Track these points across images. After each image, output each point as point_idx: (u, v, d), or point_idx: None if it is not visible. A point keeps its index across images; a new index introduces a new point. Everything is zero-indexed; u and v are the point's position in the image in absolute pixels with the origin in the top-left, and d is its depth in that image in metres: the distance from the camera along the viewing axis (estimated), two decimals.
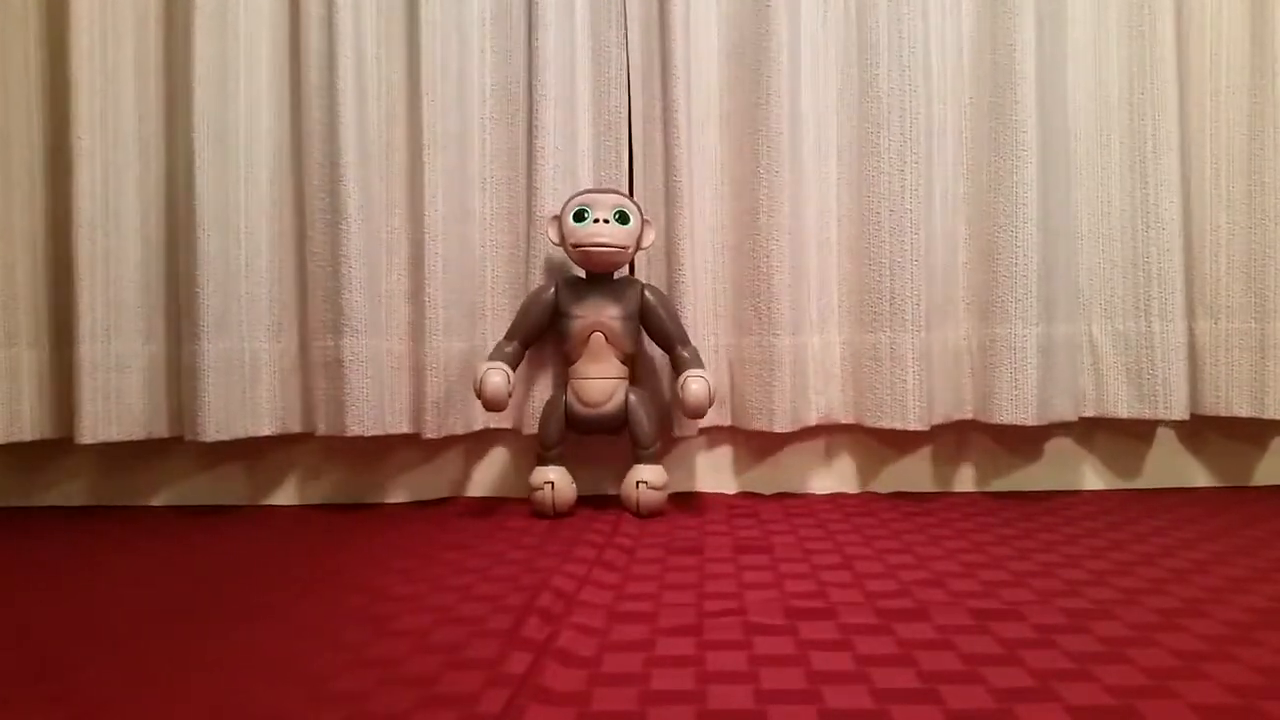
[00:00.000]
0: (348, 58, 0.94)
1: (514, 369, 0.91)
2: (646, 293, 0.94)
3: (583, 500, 0.97)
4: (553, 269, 0.98)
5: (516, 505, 0.98)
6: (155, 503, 1.05)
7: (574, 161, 1.00)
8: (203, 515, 0.99)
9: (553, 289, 0.94)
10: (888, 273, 0.95)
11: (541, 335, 0.96)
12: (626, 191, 0.98)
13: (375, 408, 0.96)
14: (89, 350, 0.93)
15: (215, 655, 0.55)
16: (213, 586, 0.70)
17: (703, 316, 0.99)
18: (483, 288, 1.01)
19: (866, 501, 0.99)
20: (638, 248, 0.93)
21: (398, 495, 1.05)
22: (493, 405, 0.89)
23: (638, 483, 0.91)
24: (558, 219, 0.93)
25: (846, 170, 1.00)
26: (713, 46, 1.00)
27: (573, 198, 0.92)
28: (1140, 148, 0.97)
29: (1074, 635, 0.55)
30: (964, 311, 1.00)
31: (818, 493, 1.04)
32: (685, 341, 0.94)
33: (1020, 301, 0.93)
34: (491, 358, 0.91)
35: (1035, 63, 0.93)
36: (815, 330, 1.00)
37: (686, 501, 0.99)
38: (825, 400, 1.00)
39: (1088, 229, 1.00)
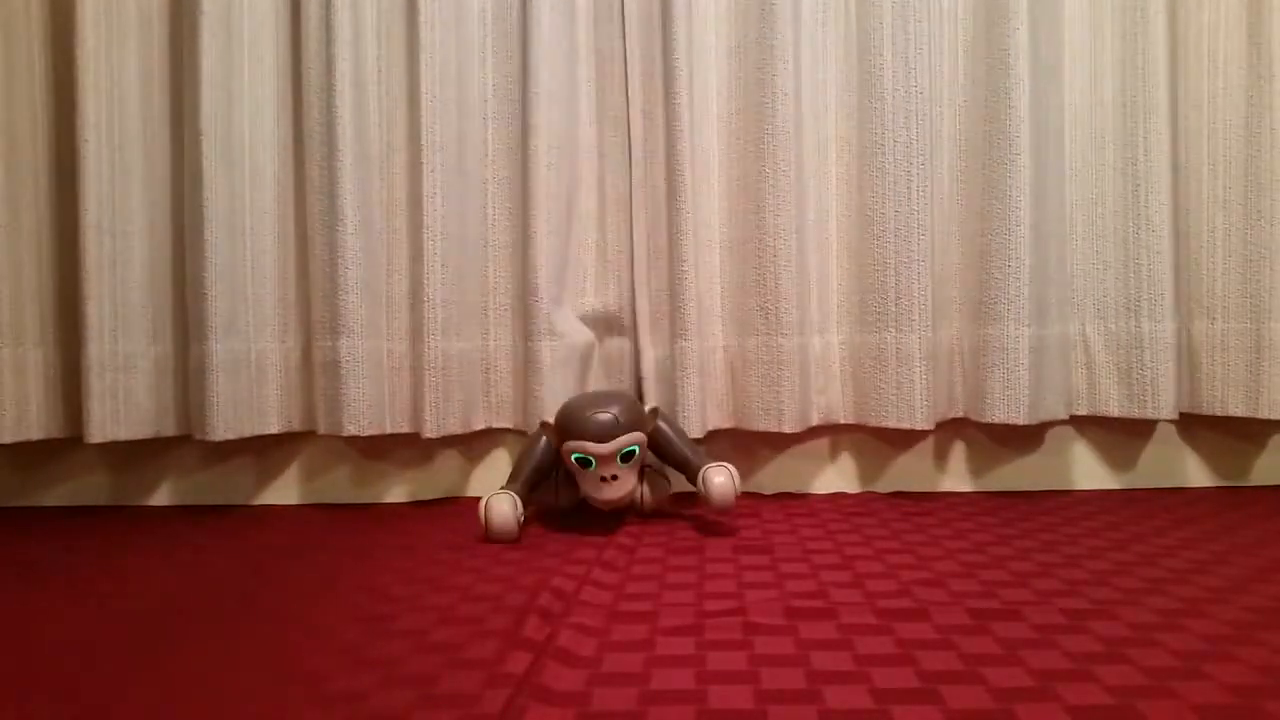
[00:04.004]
0: (345, 60, 0.94)
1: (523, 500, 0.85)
2: (655, 423, 0.87)
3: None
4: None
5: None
6: (159, 501, 1.05)
7: (574, 160, 1.00)
8: (205, 514, 0.99)
9: (553, 449, 0.87)
10: (892, 273, 0.95)
11: (545, 483, 0.90)
12: (622, 397, 0.84)
13: (372, 408, 0.96)
14: (97, 350, 0.94)
15: (215, 655, 0.55)
16: (213, 586, 0.70)
17: (705, 316, 0.99)
18: (484, 287, 1.01)
19: (866, 501, 0.99)
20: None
21: (398, 495, 1.05)
22: (500, 536, 0.82)
23: (644, 467, 0.90)
24: (551, 428, 0.84)
25: (847, 169, 1.00)
26: (711, 45, 1.00)
27: (567, 424, 0.81)
28: (1132, 149, 0.97)
29: (1074, 635, 0.55)
30: (956, 311, 1.00)
31: (818, 493, 1.04)
32: (695, 450, 0.89)
33: (1013, 302, 0.94)
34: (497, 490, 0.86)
35: (1030, 65, 0.93)
36: (817, 330, 1.00)
37: (687, 502, 0.99)
38: (826, 400, 1.00)
39: (1082, 229, 1.00)
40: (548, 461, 0.88)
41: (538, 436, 0.89)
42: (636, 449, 0.82)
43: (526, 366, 0.99)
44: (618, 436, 0.80)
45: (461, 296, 0.98)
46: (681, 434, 0.91)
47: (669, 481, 0.92)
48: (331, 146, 0.94)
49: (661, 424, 0.89)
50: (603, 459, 0.80)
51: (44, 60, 0.98)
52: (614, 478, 0.80)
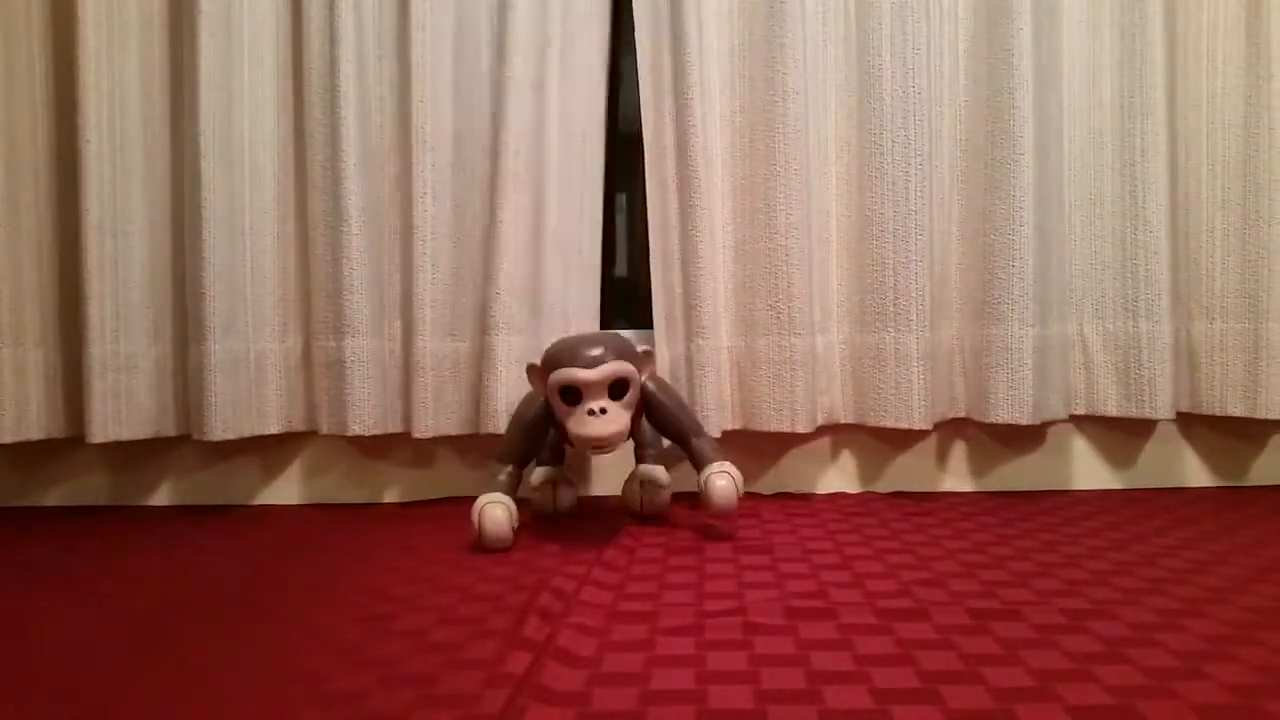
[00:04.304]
0: (349, 61, 0.94)
1: (515, 494, 0.82)
2: (649, 389, 0.84)
3: (583, 499, 0.97)
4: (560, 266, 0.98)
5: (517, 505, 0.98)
6: (159, 501, 1.05)
7: (583, 160, 1.00)
8: (205, 514, 0.99)
9: (543, 405, 0.83)
10: (891, 272, 0.95)
11: (539, 448, 0.88)
12: (613, 335, 0.82)
13: (377, 408, 0.96)
14: (98, 350, 0.94)
15: (215, 655, 0.55)
16: (213, 586, 0.70)
17: (711, 317, 0.98)
18: (493, 286, 1.00)
19: (866, 501, 0.99)
20: (640, 396, 0.82)
21: (398, 495, 1.05)
22: (494, 545, 0.79)
23: (641, 482, 0.90)
24: (536, 370, 0.80)
25: (847, 169, 1.00)
26: (713, 44, 0.99)
27: (555, 357, 0.78)
28: (1130, 149, 0.97)
29: (1074, 635, 0.55)
30: (956, 312, 1.00)
31: (818, 493, 1.04)
32: (699, 431, 0.86)
33: (1017, 303, 0.94)
34: (487, 489, 0.82)
35: (1033, 65, 0.93)
36: (820, 330, 0.99)
37: (687, 502, 0.99)
38: (828, 400, 1.00)
39: (1080, 230, 1.00)
40: (541, 422, 0.83)
41: (528, 398, 0.85)
42: (628, 384, 0.77)
43: (483, 361, 0.97)
44: (606, 364, 0.76)
45: (457, 297, 0.98)
46: (682, 405, 0.86)
47: (669, 486, 0.91)
48: (335, 147, 0.94)
49: (653, 387, 0.84)
50: (590, 387, 0.75)
51: (44, 61, 0.98)
52: (602, 411, 0.74)
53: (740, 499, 0.82)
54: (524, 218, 0.97)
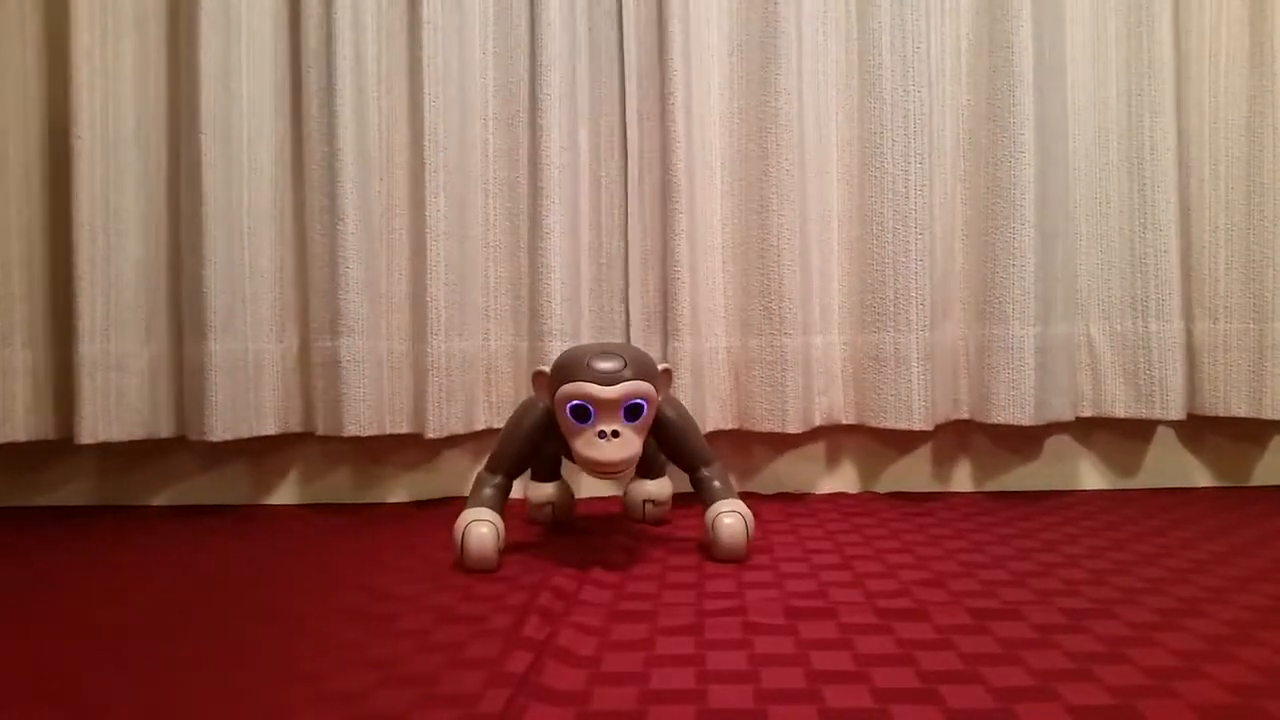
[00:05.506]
0: (345, 58, 0.94)
1: (503, 510, 0.75)
2: (661, 410, 0.76)
3: (584, 501, 0.96)
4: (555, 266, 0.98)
5: (517, 505, 0.98)
6: (156, 503, 1.05)
7: (576, 161, 1.00)
8: (203, 515, 0.99)
9: (543, 414, 0.75)
10: (891, 272, 0.95)
11: (535, 459, 0.82)
12: (630, 348, 0.72)
13: (373, 408, 0.96)
14: (88, 350, 0.93)
15: (216, 655, 0.55)
16: (213, 586, 0.70)
17: (704, 317, 0.99)
18: (485, 287, 1.01)
19: (866, 501, 0.99)
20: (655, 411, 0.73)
21: (399, 495, 1.05)
22: (478, 566, 0.72)
23: (644, 501, 0.89)
24: (544, 378, 0.72)
25: (847, 169, 1.00)
26: (711, 44, 0.99)
27: (566, 367, 0.69)
28: (1138, 148, 0.97)
29: (1074, 635, 0.55)
30: (960, 312, 1.00)
31: (818, 493, 1.04)
32: (708, 460, 0.77)
33: (1018, 302, 0.94)
34: (473, 503, 0.74)
35: (1034, 64, 0.93)
36: (818, 330, 1.00)
37: (687, 502, 0.99)
38: (827, 401, 1.00)
39: (1086, 229, 1.00)
40: (539, 433, 0.76)
41: (527, 404, 0.77)
42: (644, 406, 0.69)
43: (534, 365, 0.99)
44: (624, 382, 0.68)
45: (463, 297, 0.98)
46: (695, 432, 0.78)
47: (669, 499, 0.91)
48: (333, 146, 0.94)
49: (667, 408, 0.77)
50: (604, 406, 0.67)
51: (37, 55, 0.97)
52: (614, 434, 0.67)
53: (752, 540, 0.75)
54: (569, 227, 0.98)
